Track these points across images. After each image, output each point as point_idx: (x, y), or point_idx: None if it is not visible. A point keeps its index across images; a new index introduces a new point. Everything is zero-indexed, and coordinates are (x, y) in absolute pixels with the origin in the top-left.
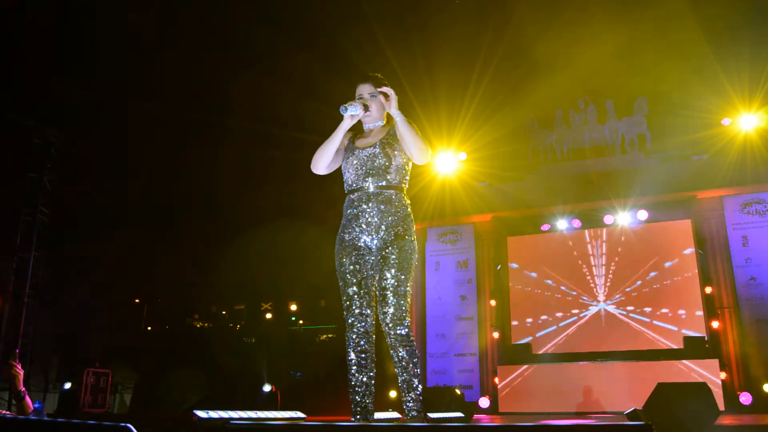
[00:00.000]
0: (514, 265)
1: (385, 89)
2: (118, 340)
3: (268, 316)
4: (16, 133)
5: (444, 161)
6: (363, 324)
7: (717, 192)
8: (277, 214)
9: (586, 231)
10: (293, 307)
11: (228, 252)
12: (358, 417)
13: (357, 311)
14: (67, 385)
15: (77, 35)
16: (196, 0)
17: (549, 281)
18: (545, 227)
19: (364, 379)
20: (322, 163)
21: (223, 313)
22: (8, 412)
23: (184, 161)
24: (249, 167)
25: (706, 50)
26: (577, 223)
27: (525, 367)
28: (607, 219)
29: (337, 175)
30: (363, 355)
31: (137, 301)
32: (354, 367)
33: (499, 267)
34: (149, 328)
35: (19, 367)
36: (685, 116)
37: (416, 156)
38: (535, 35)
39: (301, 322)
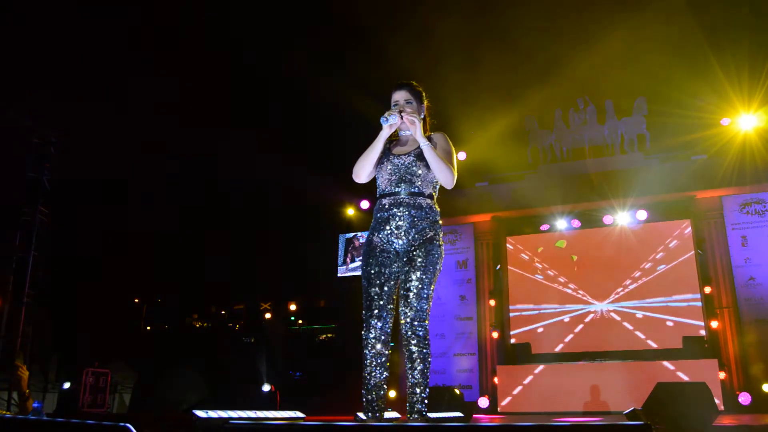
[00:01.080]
0: (514, 274)
1: (409, 117)
2: (117, 340)
3: (268, 315)
4: (15, 133)
5: None
6: (381, 325)
7: (716, 192)
8: (276, 215)
9: (586, 231)
10: (292, 307)
11: (228, 252)
12: (369, 414)
13: (377, 312)
14: (67, 385)
15: (77, 35)
16: (197, 1)
17: (548, 281)
18: (545, 227)
19: (378, 378)
20: (365, 172)
21: (222, 312)
22: (8, 413)
23: (185, 161)
24: (251, 168)
25: (706, 50)
26: (576, 223)
27: (524, 366)
28: (607, 219)
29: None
30: (378, 356)
31: (137, 301)
32: (368, 367)
33: (498, 267)
34: (149, 328)
35: (25, 368)
36: (684, 116)
37: (442, 182)
38: (535, 35)
39: (300, 321)
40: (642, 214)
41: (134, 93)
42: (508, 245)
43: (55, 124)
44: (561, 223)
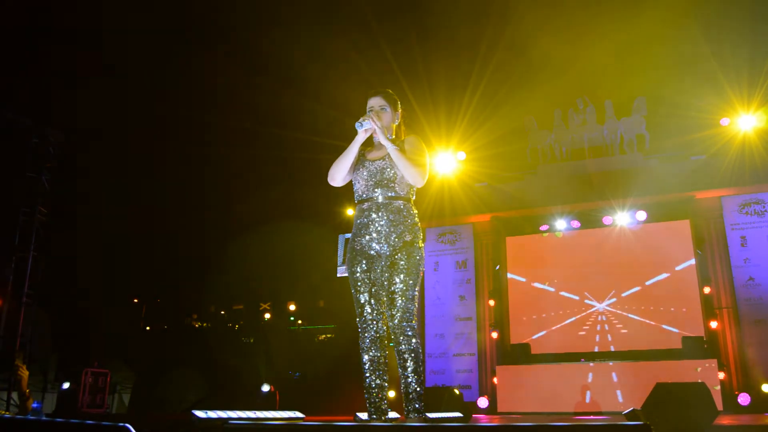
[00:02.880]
0: (513, 274)
1: (370, 124)
2: (117, 340)
3: (267, 316)
4: (14, 133)
5: (443, 161)
6: (375, 329)
7: (716, 192)
8: (276, 215)
9: (585, 231)
10: (292, 307)
11: (228, 252)
12: (373, 416)
13: (369, 318)
14: (66, 385)
15: (76, 35)
16: (199, 2)
17: (547, 281)
18: (544, 227)
19: (378, 381)
20: (340, 175)
21: (222, 313)
22: (7, 413)
23: (185, 162)
24: (250, 169)
25: (705, 50)
26: (576, 223)
27: (524, 367)
28: (606, 219)
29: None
30: (376, 359)
31: (136, 300)
32: (368, 371)
33: (498, 267)
34: (148, 328)
35: (25, 368)
36: (683, 116)
37: (410, 181)
38: (534, 35)
39: (299, 322)
40: (641, 215)
41: (134, 93)
42: (507, 245)
43: (54, 123)
44: (560, 224)
